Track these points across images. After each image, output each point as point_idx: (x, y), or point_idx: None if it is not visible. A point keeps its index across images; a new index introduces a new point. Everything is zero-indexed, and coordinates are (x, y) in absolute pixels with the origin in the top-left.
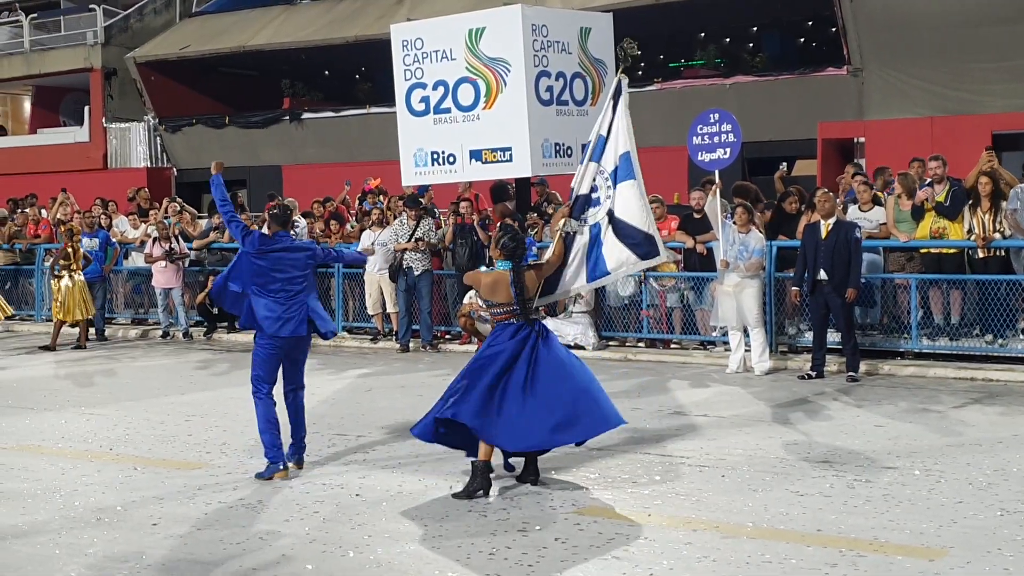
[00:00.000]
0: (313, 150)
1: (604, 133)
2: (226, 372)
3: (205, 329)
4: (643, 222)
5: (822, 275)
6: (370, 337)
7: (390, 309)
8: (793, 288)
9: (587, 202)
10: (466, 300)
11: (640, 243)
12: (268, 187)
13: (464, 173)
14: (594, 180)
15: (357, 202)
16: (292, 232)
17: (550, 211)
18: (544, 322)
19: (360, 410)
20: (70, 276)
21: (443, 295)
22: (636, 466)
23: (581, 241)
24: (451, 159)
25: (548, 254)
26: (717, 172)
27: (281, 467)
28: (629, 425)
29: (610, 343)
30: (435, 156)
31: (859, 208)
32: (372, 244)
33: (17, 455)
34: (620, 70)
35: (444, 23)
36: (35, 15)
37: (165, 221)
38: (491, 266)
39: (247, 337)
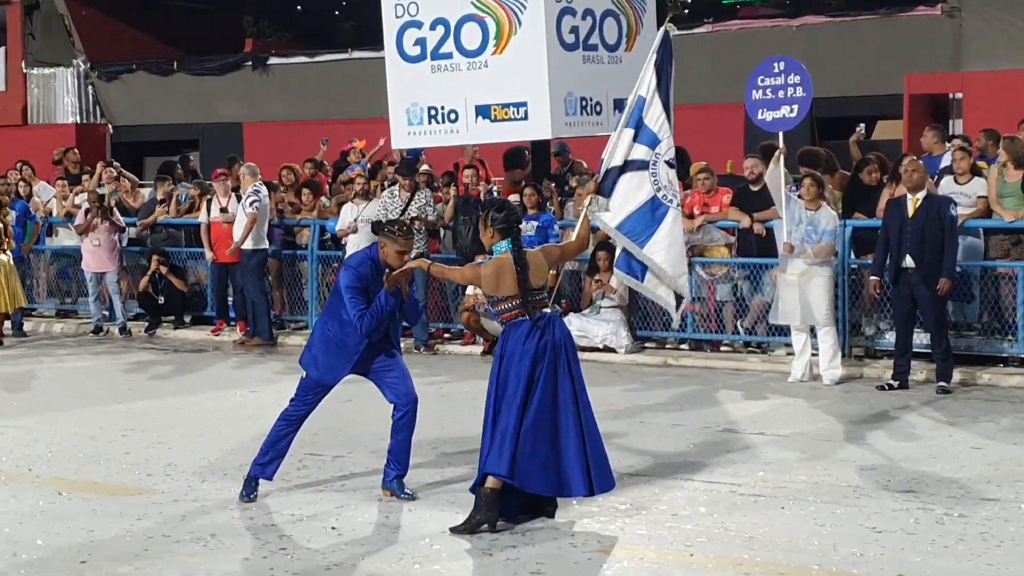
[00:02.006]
0: (281, 104)
1: (644, 93)
2: (171, 376)
3: (147, 323)
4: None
5: (908, 262)
6: None
7: None
8: (872, 278)
9: (618, 177)
10: (469, 292)
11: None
12: (226, 149)
13: (468, 134)
14: (629, 152)
15: (335, 169)
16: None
17: (574, 184)
18: (569, 319)
19: (338, 424)
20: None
21: (441, 285)
22: (676, 495)
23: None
24: (452, 116)
25: (573, 236)
26: (781, 135)
27: None
28: (669, 445)
29: (647, 345)
30: (433, 113)
31: (955, 180)
32: (354, 221)
33: None
34: (669, 18)
35: None
36: None
37: (99, 191)
38: (489, 255)
39: (197, 334)
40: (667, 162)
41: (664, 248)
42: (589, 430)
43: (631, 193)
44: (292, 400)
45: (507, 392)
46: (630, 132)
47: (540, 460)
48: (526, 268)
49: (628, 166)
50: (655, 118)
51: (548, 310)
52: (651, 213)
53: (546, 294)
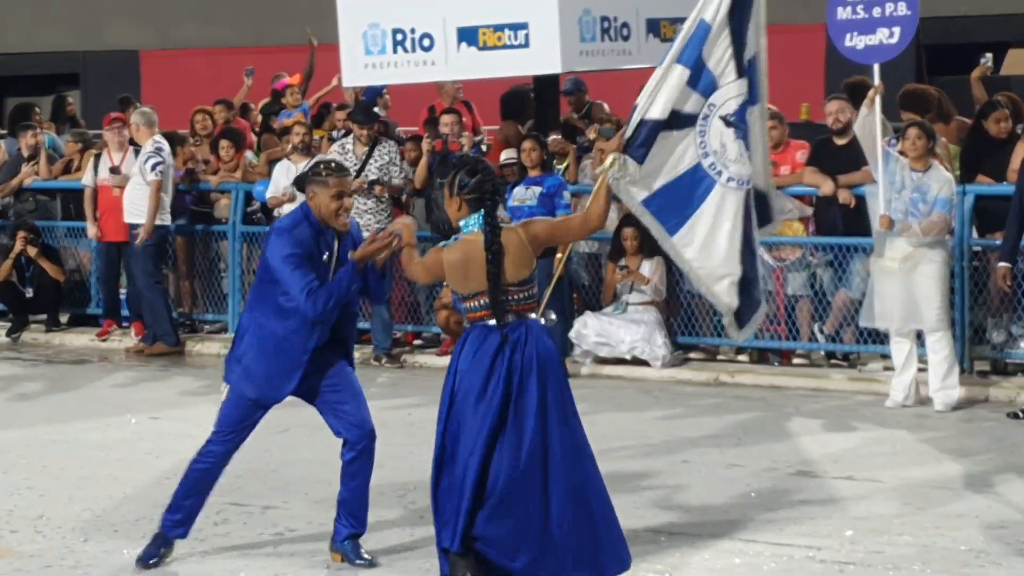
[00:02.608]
0: (191, 26)
1: (709, 18)
2: (42, 396)
3: (9, 325)
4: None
5: None
6: None
7: None
8: (1002, 265)
9: (656, 134)
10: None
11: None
12: (117, 87)
13: (448, 67)
14: (679, 101)
15: (264, 114)
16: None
17: (591, 136)
18: (585, 320)
19: (270, 464)
20: None
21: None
22: (733, 561)
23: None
24: (426, 43)
25: (588, 206)
26: (876, 68)
27: None
28: (723, 493)
29: (691, 356)
30: (399, 38)
31: None
32: (292, 186)
33: None
34: None
35: None
36: None
37: None
38: (456, 233)
39: (78, 338)
40: (724, 118)
41: (700, 241)
42: (588, 490)
43: (671, 158)
44: (214, 431)
45: (463, 429)
46: (682, 72)
47: (509, 528)
48: (500, 254)
49: (675, 121)
50: (720, 57)
51: (535, 316)
52: (691, 189)
53: (534, 291)
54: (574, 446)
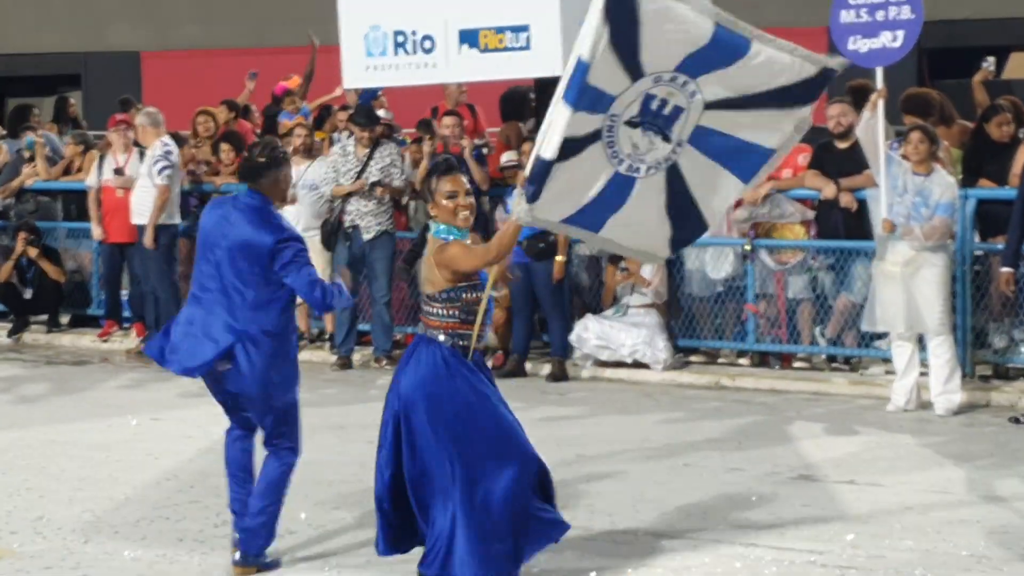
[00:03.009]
0: (193, 27)
1: (586, 55)
2: (43, 397)
3: (10, 325)
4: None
5: None
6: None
7: None
8: (1004, 269)
9: (548, 168)
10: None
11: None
12: (119, 88)
13: (449, 69)
14: (580, 130)
15: (266, 116)
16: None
17: None
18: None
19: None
20: None
21: (412, 277)
22: (733, 565)
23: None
24: (427, 44)
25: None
26: (880, 71)
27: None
28: (724, 496)
29: (692, 359)
30: (400, 39)
31: None
32: (293, 187)
33: None
34: None
35: None
36: None
37: None
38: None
39: (79, 339)
40: (629, 122)
41: (625, 220)
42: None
43: (581, 182)
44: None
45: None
46: (568, 110)
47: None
48: (415, 259)
49: (572, 148)
50: (609, 75)
51: (433, 333)
52: (615, 194)
53: (438, 310)
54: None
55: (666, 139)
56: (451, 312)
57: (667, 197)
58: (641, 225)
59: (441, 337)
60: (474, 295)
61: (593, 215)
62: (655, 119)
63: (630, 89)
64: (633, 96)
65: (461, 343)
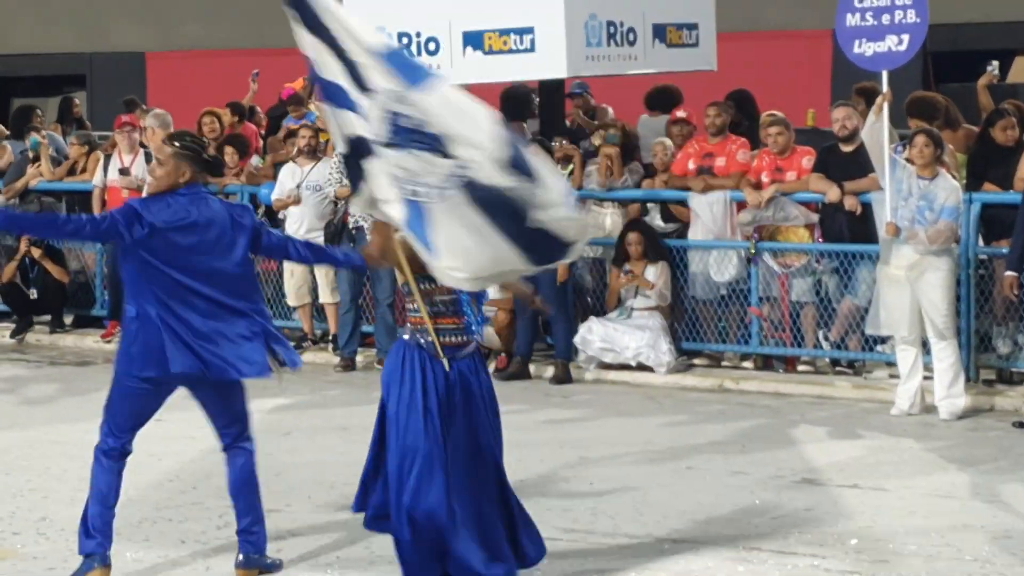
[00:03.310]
0: (197, 28)
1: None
2: (47, 398)
3: (13, 326)
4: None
5: None
6: (292, 344)
7: (324, 299)
8: (1008, 274)
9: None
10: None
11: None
12: (124, 89)
13: (453, 70)
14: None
15: (271, 117)
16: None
17: (596, 142)
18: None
19: (272, 467)
20: None
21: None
22: (736, 569)
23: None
24: (432, 47)
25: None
26: (885, 75)
27: (97, 565)
28: (727, 500)
29: (695, 362)
30: (405, 41)
31: None
32: (296, 188)
33: None
34: None
35: None
36: None
37: None
38: None
39: (82, 340)
40: (384, 145)
41: (455, 252)
42: None
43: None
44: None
45: None
46: (329, 108)
47: None
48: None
49: (358, 148)
50: (324, 63)
51: (400, 331)
52: (418, 221)
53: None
54: None
55: (445, 155)
56: (414, 306)
57: (484, 215)
58: (469, 254)
59: (406, 336)
60: (431, 286)
61: (419, 234)
62: (412, 135)
63: (368, 108)
64: (375, 113)
65: (420, 340)
